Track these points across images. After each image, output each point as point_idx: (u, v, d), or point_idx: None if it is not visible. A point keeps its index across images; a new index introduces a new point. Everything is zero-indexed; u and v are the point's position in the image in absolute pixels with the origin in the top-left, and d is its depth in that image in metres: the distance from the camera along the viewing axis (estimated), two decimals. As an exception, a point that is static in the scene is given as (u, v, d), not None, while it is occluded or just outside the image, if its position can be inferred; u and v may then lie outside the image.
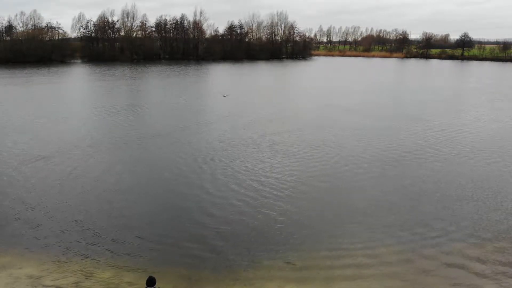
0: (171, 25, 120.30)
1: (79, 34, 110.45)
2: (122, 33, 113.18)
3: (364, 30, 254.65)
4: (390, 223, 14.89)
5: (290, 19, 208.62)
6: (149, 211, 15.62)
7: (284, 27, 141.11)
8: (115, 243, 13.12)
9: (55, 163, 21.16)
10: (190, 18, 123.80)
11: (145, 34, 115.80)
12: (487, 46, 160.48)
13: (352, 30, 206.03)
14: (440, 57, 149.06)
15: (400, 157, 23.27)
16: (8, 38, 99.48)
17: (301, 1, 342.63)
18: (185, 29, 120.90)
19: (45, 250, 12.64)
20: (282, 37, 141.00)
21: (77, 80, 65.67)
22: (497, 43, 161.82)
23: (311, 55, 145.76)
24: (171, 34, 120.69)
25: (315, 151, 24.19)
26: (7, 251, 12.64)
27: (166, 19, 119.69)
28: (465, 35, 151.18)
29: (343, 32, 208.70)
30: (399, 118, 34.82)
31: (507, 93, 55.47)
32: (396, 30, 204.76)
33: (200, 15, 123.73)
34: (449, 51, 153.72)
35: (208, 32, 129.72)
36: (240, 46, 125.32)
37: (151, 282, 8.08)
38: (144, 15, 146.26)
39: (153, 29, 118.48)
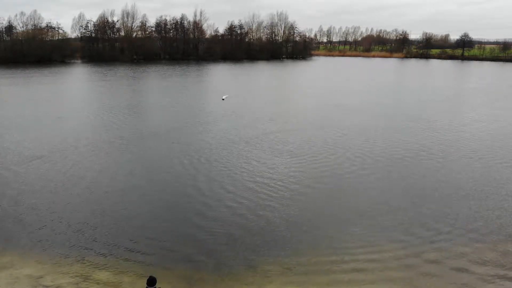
0: (171, 25, 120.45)
1: (79, 34, 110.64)
2: (122, 33, 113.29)
3: (364, 30, 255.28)
4: (392, 224, 14.86)
5: (290, 19, 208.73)
6: (149, 212, 15.60)
7: (284, 27, 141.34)
8: (115, 243, 13.10)
9: (54, 163, 21.15)
10: (190, 18, 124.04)
11: (145, 34, 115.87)
12: (487, 46, 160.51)
13: (352, 30, 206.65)
14: (440, 57, 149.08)
15: (402, 157, 23.24)
16: (8, 38, 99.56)
17: (301, 1, 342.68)
18: (185, 29, 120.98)
19: (45, 250, 12.63)
20: (282, 37, 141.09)
21: (77, 80, 65.67)
22: (497, 43, 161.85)
23: (311, 55, 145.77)
24: (171, 34, 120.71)
25: (316, 151, 24.16)
26: (7, 251, 12.63)
27: (166, 19, 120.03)
28: (465, 35, 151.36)
29: (343, 32, 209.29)
30: (401, 118, 34.80)
31: (507, 93, 55.45)
32: (396, 30, 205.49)
33: (200, 15, 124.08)
34: (449, 51, 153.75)
35: (208, 32, 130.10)
36: (240, 46, 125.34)
37: (151, 282, 8.07)
38: (144, 15, 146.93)
39: (153, 29, 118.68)
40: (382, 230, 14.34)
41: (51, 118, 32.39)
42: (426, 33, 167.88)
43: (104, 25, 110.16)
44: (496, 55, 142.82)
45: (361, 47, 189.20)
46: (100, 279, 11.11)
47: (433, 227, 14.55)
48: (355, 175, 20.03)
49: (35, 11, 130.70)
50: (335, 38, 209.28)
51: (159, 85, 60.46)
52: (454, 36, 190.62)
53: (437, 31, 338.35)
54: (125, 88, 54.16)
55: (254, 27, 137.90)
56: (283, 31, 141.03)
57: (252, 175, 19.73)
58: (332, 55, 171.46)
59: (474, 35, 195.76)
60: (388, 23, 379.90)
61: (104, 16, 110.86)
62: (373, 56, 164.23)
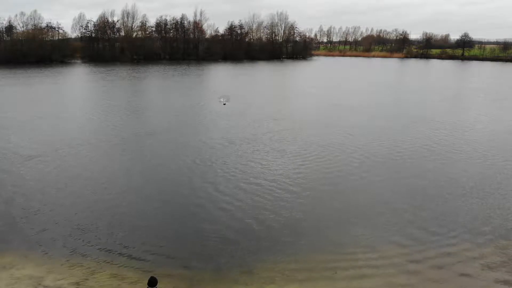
0: (171, 25, 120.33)
1: (79, 34, 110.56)
2: (122, 33, 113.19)
3: (364, 30, 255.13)
4: (392, 225, 14.85)
5: (291, 19, 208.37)
6: (150, 212, 15.59)
7: (284, 27, 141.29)
8: (116, 243, 13.09)
9: (54, 163, 21.14)
10: (190, 18, 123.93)
11: (145, 34, 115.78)
12: (488, 46, 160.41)
13: (352, 30, 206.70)
14: (440, 57, 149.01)
15: (403, 157, 23.23)
16: (8, 38, 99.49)
17: (302, 1, 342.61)
18: (185, 29, 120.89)
19: (46, 251, 12.62)
20: (282, 37, 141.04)
21: (77, 80, 65.65)
22: (497, 43, 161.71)
23: (311, 55, 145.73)
24: (171, 34, 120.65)
25: (316, 152, 24.15)
26: (8, 251, 12.63)
27: (166, 19, 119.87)
28: (466, 35, 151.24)
29: (343, 32, 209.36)
30: (403, 118, 34.78)
31: (509, 93, 55.38)
32: (396, 30, 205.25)
33: (200, 15, 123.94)
34: (449, 51, 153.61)
35: (208, 32, 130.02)
36: (240, 46, 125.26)
37: (152, 282, 8.07)
38: (144, 15, 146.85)
39: (153, 29, 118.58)
40: (383, 230, 14.32)
41: (51, 118, 32.36)
42: (426, 33, 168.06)
43: (104, 25, 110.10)
44: (496, 55, 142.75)
45: (361, 47, 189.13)
46: (101, 279, 11.10)
47: (434, 228, 14.54)
48: (355, 176, 20.01)
49: (35, 11, 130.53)
50: (335, 38, 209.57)
51: (159, 85, 60.46)
52: (454, 36, 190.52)
53: (438, 31, 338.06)
54: (125, 89, 54.17)
55: (254, 27, 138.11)
56: (283, 31, 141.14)
57: (252, 176, 19.72)
58: (332, 55, 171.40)
59: (475, 35, 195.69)
60: (389, 23, 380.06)
61: (104, 16, 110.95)
62: (373, 56, 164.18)
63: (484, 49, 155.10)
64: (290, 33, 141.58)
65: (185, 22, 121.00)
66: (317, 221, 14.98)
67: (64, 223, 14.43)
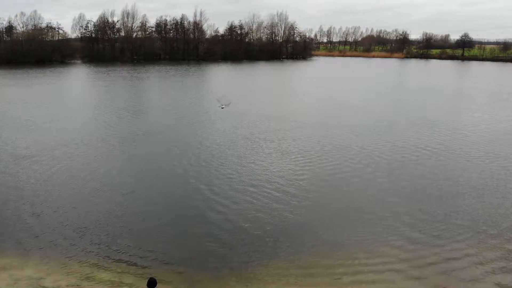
0: (171, 26, 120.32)
1: (79, 35, 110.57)
2: (122, 34, 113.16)
3: (364, 31, 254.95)
4: (393, 225, 14.82)
5: (291, 19, 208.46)
6: (149, 212, 15.57)
7: (284, 27, 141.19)
8: (115, 244, 13.07)
9: (53, 163, 21.11)
10: (190, 18, 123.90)
11: (145, 34, 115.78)
12: (488, 47, 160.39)
13: (352, 30, 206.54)
14: (440, 57, 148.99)
15: (405, 157, 23.19)
16: (8, 39, 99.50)
17: (302, 1, 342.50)
18: (185, 29, 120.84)
19: (45, 252, 12.60)
20: (282, 37, 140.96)
21: (77, 81, 65.65)
22: (497, 43, 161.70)
23: (311, 55, 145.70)
24: (171, 34, 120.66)
25: (318, 151, 24.13)
26: (7, 252, 12.60)
27: (166, 20, 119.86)
28: (465, 35, 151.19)
29: (343, 33, 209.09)
30: (403, 119, 34.75)
31: (510, 93, 55.34)
32: (396, 30, 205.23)
33: (200, 16, 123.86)
34: (449, 51, 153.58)
35: (208, 32, 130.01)
36: (240, 47, 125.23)
37: (152, 283, 8.04)
38: (144, 16, 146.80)
39: (153, 29, 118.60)
40: (383, 232, 14.29)
41: (50, 118, 32.35)
42: (426, 33, 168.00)
43: (104, 25, 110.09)
44: (496, 55, 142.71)
45: (361, 47, 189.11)
46: (100, 280, 11.08)
47: (435, 230, 14.48)
48: (356, 177, 19.98)
49: (35, 11, 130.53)
50: (335, 38, 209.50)
51: (159, 85, 60.48)
52: (454, 36, 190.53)
53: (438, 31, 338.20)
54: (125, 89, 54.16)
55: (254, 27, 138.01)
56: (283, 31, 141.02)
57: (252, 177, 19.70)
58: (332, 55, 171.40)
59: (475, 35, 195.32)
60: (389, 23, 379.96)
61: (104, 16, 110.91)
62: (373, 56, 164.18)
63: (484, 49, 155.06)
64: (290, 33, 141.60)
65: (185, 22, 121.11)
66: (317, 222, 14.96)
67: (64, 224, 14.41)
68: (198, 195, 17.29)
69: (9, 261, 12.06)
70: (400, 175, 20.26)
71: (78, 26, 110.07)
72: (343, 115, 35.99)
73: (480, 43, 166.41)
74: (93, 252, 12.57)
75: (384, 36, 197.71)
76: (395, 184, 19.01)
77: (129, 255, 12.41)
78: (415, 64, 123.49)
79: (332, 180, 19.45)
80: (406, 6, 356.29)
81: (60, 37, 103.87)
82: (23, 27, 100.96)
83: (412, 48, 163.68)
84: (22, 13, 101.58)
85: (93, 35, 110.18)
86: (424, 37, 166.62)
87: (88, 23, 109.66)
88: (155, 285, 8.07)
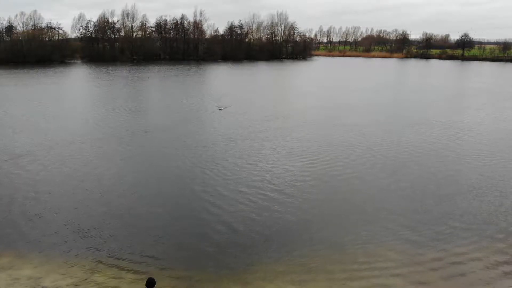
0: (171, 26, 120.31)
1: (79, 35, 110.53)
2: (122, 34, 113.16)
3: (364, 31, 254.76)
4: (393, 225, 14.82)
5: (291, 19, 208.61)
6: (148, 212, 15.58)
7: (284, 27, 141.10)
8: (114, 244, 13.08)
9: (52, 163, 21.12)
10: (190, 18, 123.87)
11: (145, 34, 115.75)
12: (487, 47, 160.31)
13: (352, 30, 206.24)
14: (440, 57, 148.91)
15: (406, 157, 23.18)
16: (8, 39, 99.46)
17: (302, 1, 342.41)
18: (185, 29, 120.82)
19: (44, 251, 12.60)
20: (282, 37, 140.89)
21: (77, 81, 65.63)
22: (497, 43, 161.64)
23: (311, 55, 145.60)
24: (171, 34, 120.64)
25: (318, 151, 24.14)
26: (6, 252, 12.60)
27: (166, 20, 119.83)
28: (465, 35, 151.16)
29: (343, 33, 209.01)
30: (404, 118, 34.73)
31: (511, 93, 55.33)
32: (396, 30, 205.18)
33: (200, 16, 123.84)
34: (449, 51, 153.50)
35: (208, 32, 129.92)
36: (240, 47, 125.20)
37: (150, 283, 8.05)
38: (144, 15, 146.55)
39: (153, 29, 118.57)
40: (383, 231, 14.29)
41: (50, 118, 32.35)
42: (426, 33, 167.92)
43: (104, 25, 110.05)
44: (496, 55, 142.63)
45: (361, 47, 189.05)
46: (99, 280, 11.09)
47: (435, 228, 14.50)
48: (356, 176, 19.98)
49: (35, 11, 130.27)
50: (335, 38, 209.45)
51: (159, 85, 60.46)
52: (454, 36, 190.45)
53: (438, 31, 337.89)
54: (124, 89, 54.14)
55: (254, 27, 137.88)
56: (283, 31, 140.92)
57: (252, 176, 19.70)
58: (332, 55, 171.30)
59: (475, 35, 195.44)
60: (389, 23, 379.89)
61: (104, 16, 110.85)
62: (373, 56, 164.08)
63: (484, 49, 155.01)
64: (290, 33, 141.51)
65: (185, 22, 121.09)
66: (317, 223, 14.96)
67: (63, 224, 14.41)
68: (197, 195, 17.28)
69: (8, 261, 12.07)
70: (401, 175, 20.25)
71: (78, 26, 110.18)
72: (343, 115, 35.97)
73: (480, 43, 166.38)
74: (92, 252, 12.58)
75: (384, 36, 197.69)
76: (395, 184, 19.01)
77: (128, 255, 12.41)
78: (415, 64, 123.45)
79: (332, 181, 19.44)
80: (406, 6, 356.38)
81: (60, 37, 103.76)
82: (23, 27, 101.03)
83: (412, 48, 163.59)
84: (22, 13, 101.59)
85: (93, 35, 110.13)
86: (424, 37, 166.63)
87: (88, 23, 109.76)
88: (154, 285, 8.07)
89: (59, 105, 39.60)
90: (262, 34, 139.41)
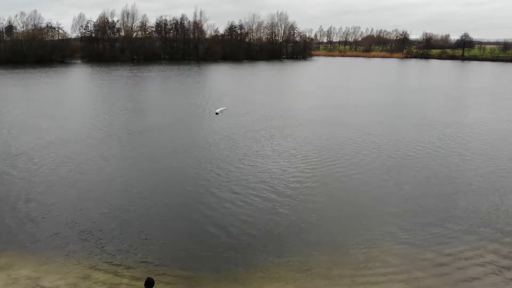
0: (171, 25, 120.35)
1: (79, 35, 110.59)
2: (122, 33, 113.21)
3: (364, 31, 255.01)
4: (393, 225, 14.80)
5: (291, 19, 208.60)
6: (147, 211, 15.56)
7: (284, 27, 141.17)
8: (113, 244, 13.06)
9: (51, 163, 21.09)
10: (190, 18, 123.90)
11: (145, 34, 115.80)
12: (488, 47, 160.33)
13: (353, 30, 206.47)
14: (440, 57, 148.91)
15: (408, 157, 23.13)
16: (8, 39, 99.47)
17: (302, 1, 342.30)
18: (185, 29, 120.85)
19: (43, 251, 12.58)
20: (282, 37, 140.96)
21: (76, 81, 65.65)
22: (497, 43, 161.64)
23: (311, 55, 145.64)
24: (171, 34, 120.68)
25: (319, 151, 24.11)
26: (5, 251, 12.58)
27: (166, 20, 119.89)
28: (466, 35, 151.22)
29: (343, 33, 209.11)
30: (405, 118, 34.71)
31: None
32: (396, 30, 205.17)
33: (200, 15, 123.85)
34: (449, 51, 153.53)
35: (208, 32, 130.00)
36: (240, 47, 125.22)
37: (149, 284, 8.03)
38: (144, 15, 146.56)
39: (153, 29, 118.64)
40: (383, 232, 14.26)
41: (49, 118, 32.34)
42: (426, 33, 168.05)
43: (104, 25, 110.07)
44: (496, 55, 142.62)
45: (361, 47, 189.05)
46: (98, 280, 11.06)
47: (436, 229, 14.42)
48: (356, 176, 19.95)
49: (35, 11, 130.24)
50: (335, 38, 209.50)
51: (159, 86, 60.46)
52: (454, 36, 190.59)
53: (438, 32, 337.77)
54: (124, 89, 54.15)
55: (254, 27, 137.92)
56: (283, 31, 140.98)
57: (251, 176, 19.68)
58: (332, 55, 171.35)
59: (475, 36, 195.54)
60: (389, 23, 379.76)
61: (104, 16, 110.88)
62: (373, 56, 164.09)
63: (484, 49, 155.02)
64: (290, 33, 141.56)
65: (185, 22, 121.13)
66: (317, 223, 14.94)
67: (62, 224, 14.39)
68: (197, 196, 17.26)
69: (7, 261, 12.05)
70: (401, 175, 20.22)
71: (78, 26, 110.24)
72: (344, 115, 35.94)
73: (480, 43, 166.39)
74: (91, 252, 12.56)
75: (384, 36, 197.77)
76: (395, 184, 18.98)
77: (127, 255, 12.39)
78: (415, 64, 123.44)
79: (332, 181, 19.41)
80: (406, 6, 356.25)
81: (60, 37, 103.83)
82: (23, 27, 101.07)
83: (412, 48, 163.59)
84: (22, 13, 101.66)
85: (93, 35, 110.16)
86: (424, 37, 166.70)
87: (88, 23, 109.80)
88: (153, 285, 8.05)
89: (58, 105, 39.59)
90: (262, 34, 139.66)
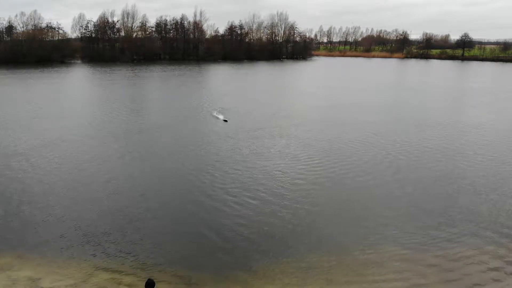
0: (171, 26, 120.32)
1: (79, 35, 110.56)
2: (122, 34, 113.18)
3: (364, 31, 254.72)
4: (393, 226, 14.78)
5: (291, 19, 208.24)
6: (147, 213, 15.54)
7: (285, 27, 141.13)
8: (114, 245, 13.04)
9: (51, 163, 21.07)
10: (190, 18, 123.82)
11: (145, 34, 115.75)
12: (487, 47, 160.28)
13: (353, 30, 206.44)
14: (440, 57, 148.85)
15: (406, 157, 23.12)
16: (8, 39, 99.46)
17: (302, 1, 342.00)
18: (185, 29, 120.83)
19: (43, 252, 12.57)
20: (283, 37, 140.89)
21: (76, 81, 65.62)
22: (497, 43, 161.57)
23: (311, 55, 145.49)
24: (171, 34, 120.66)
25: (319, 151, 24.09)
26: (5, 252, 12.57)
27: (166, 20, 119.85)
28: (466, 35, 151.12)
29: (343, 33, 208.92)
30: (406, 118, 34.66)
31: None
32: (396, 30, 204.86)
33: (200, 16, 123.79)
34: (449, 51, 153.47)
35: (208, 32, 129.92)
36: (241, 47, 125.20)
37: (150, 285, 8.01)
38: (144, 16, 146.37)
39: (153, 29, 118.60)
40: (384, 232, 14.24)
41: (50, 117, 32.32)
42: (426, 33, 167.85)
43: (104, 25, 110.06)
44: (496, 55, 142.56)
45: (361, 48, 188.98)
46: (99, 281, 11.05)
47: (437, 230, 14.42)
48: (357, 176, 19.92)
49: (35, 11, 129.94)
50: (335, 38, 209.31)
51: (159, 86, 60.46)
52: (455, 36, 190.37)
53: (438, 32, 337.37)
54: (124, 89, 54.12)
55: (254, 27, 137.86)
56: (283, 31, 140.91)
57: (252, 176, 19.65)
58: (332, 55, 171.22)
59: (475, 36, 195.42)
60: (389, 23, 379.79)
61: (104, 16, 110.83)
62: (373, 57, 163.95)
63: (484, 49, 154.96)
64: (290, 33, 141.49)
65: (185, 22, 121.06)
66: (317, 223, 14.92)
67: (62, 225, 14.38)
68: (197, 196, 17.24)
69: (7, 262, 12.03)
70: (402, 175, 20.19)
71: (78, 26, 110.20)
72: (344, 115, 35.92)
73: (480, 43, 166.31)
74: (91, 253, 12.54)
75: (384, 36, 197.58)
76: (397, 185, 18.95)
77: (127, 256, 12.37)
78: (415, 64, 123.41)
79: (333, 182, 19.39)
80: (406, 6, 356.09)
81: (60, 37, 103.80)
82: (23, 27, 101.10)
83: (412, 48, 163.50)
84: (22, 13, 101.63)
85: (93, 35, 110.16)
86: (424, 37, 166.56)
87: (88, 23, 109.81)
88: (153, 287, 8.03)
89: (58, 105, 39.54)
90: (262, 34, 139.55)
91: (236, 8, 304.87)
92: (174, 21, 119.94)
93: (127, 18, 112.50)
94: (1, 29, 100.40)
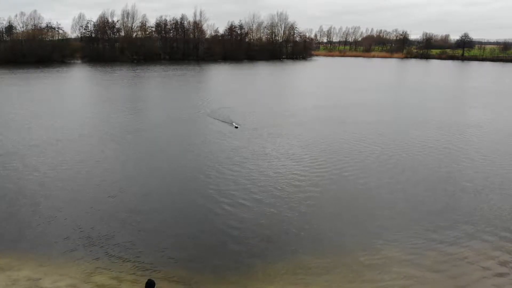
0: (171, 26, 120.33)
1: (79, 35, 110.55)
2: (122, 33, 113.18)
3: (364, 31, 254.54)
4: (394, 226, 14.78)
5: (291, 19, 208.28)
6: (147, 213, 15.53)
7: (284, 27, 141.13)
8: (114, 245, 13.03)
9: (51, 163, 21.06)
10: (190, 18, 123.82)
11: (145, 34, 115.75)
12: (487, 47, 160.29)
13: (352, 30, 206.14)
14: (440, 57, 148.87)
15: (407, 157, 23.11)
16: (8, 39, 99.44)
17: (302, 1, 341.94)
18: (185, 29, 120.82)
19: (43, 252, 12.56)
20: (282, 37, 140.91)
21: (76, 81, 65.60)
22: (497, 43, 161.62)
23: (311, 55, 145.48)
24: (171, 34, 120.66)
25: (319, 153, 24.08)
26: (5, 253, 12.56)
27: (166, 20, 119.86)
28: (466, 35, 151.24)
29: (343, 33, 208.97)
30: (406, 119, 34.68)
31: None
32: (396, 30, 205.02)
33: (200, 15, 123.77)
34: (449, 51, 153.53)
35: (208, 32, 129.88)
36: (240, 47, 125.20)
37: (150, 285, 8.00)
38: (144, 16, 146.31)
39: (153, 29, 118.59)
40: (384, 231, 14.24)
41: (48, 118, 32.30)
42: (426, 33, 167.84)
43: (104, 25, 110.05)
44: (496, 55, 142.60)
45: (361, 48, 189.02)
46: (99, 281, 11.04)
47: (438, 230, 14.41)
48: (357, 177, 19.90)
49: (35, 11, 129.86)
50: (335, 39, 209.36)
51: (159, 86, 60.42)
52: (454, 37, 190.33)
53: (438, 32, 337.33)
54: (124, 89, 54.10)
55: (254, 27, 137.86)
56: (283, 31, 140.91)
57: (252, 177, 19.65)
58: (332, 56, 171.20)
59: (475, 36, 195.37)
60: (389, 23, 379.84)
61: (104, 16, 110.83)
62: (373, 57, 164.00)
63: (484, 49, 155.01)
64: (290, 33, 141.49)
65: (185, 22, 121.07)
66: (317, 223, 14.91)
67: (62, 225, 14.37)
68: (197, 197, 17.23)
69: (7, 262, 12.02)
70: (403, 175, 20.19)
71: (78, 26, 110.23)
72: (345, 115, 35.90)
73: (480, 43, 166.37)
74: (91, 253, 12.53)
75: (384, 36, 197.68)
76: (396, 184, 18.95)
77: (128, 257, 12.36)
78: (415, 64, 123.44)
79: (333, 182, 19.38)
80: (406, 6, 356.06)
81: (60, 37, 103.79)
82: (23, 27, 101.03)
83: (412, 48, 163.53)
84: (22, 13, 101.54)
85: (93, 35, 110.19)
86: (424, 37, 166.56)
87: (88, 23, 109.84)
88: (153, 287, 8.03)
89: (58, 105, 39.53)
90: (262, 34, 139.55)
91: (236, 8, 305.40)
92: (174, 21, 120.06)
93: (127, 18, 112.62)
94: (1, 29, 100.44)
